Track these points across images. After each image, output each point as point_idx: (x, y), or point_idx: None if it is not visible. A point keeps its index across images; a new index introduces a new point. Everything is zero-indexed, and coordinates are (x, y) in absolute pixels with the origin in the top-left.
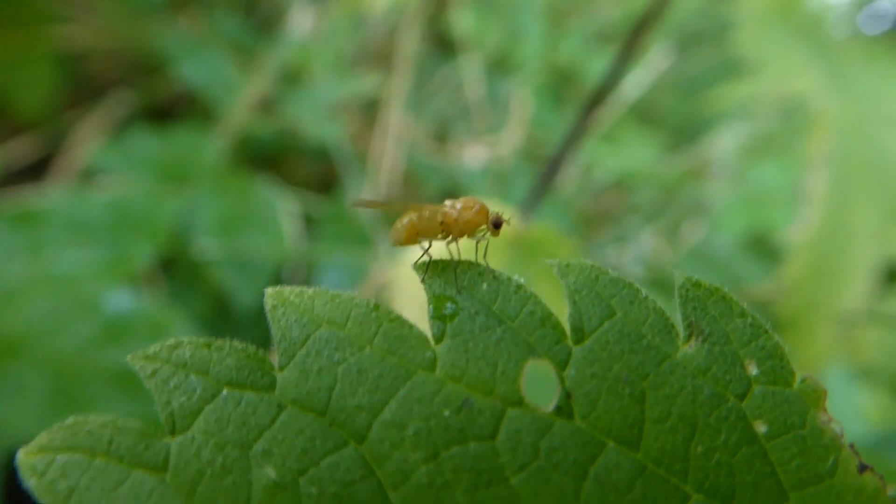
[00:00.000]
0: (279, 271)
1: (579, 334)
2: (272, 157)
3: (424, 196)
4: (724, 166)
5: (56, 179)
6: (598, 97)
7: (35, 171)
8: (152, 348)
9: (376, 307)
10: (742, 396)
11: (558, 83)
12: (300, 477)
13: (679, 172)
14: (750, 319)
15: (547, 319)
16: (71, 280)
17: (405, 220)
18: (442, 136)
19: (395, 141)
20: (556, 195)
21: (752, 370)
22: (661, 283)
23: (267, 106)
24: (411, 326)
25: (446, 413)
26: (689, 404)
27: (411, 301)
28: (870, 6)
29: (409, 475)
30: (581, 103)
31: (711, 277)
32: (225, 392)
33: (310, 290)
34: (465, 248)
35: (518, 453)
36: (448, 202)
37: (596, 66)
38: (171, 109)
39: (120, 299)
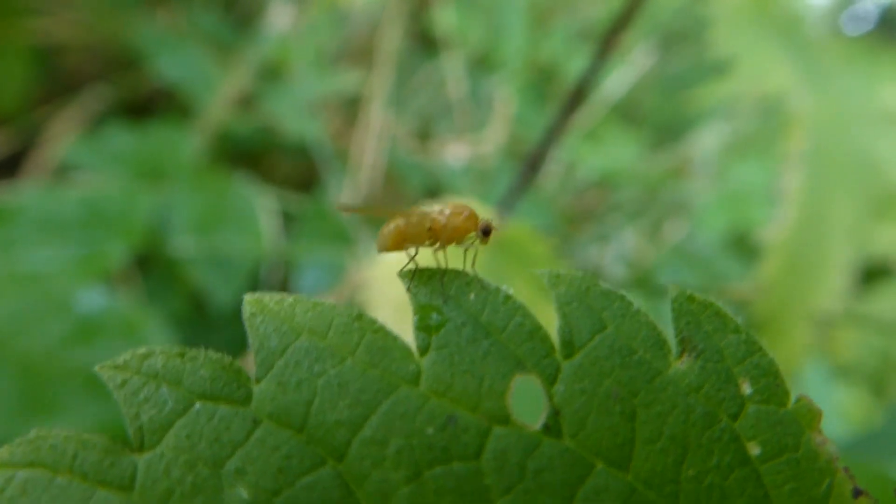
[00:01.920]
0: (257, 270)
1: (569, 348)
2: (251, 154)
3: (406, 195)
4: (705, 165)
5: (29, 175)
6: (577, 95)
7: (8, 166)
8: (122, 357)
9: (359, 317)
10: (735, 416)
11: (541, 81)
12: (274, 498)
13: (661, 171)
14: (744, 336)
15: (536, 332)
16: (42, 278)
17: (392, 225)
18: (424, 134)
19: (377, 139)
20: (538, 193)
21: (746, 389)
22: (643, 283)
23: (246, 102)
24: (395, 338)
25: (430, 430)
26: (681, 424)
27: (387, 301)
28: (851, 7)
29: (389, 496)
30: (561, 101)
31: (693, 276)
32: (198, 405)
33: (290, 298)
34: (450, 253)
35: (504, 474)
36: (436, 207)
37: (578, 64)
38: (148, 105)
39: (92, 298)
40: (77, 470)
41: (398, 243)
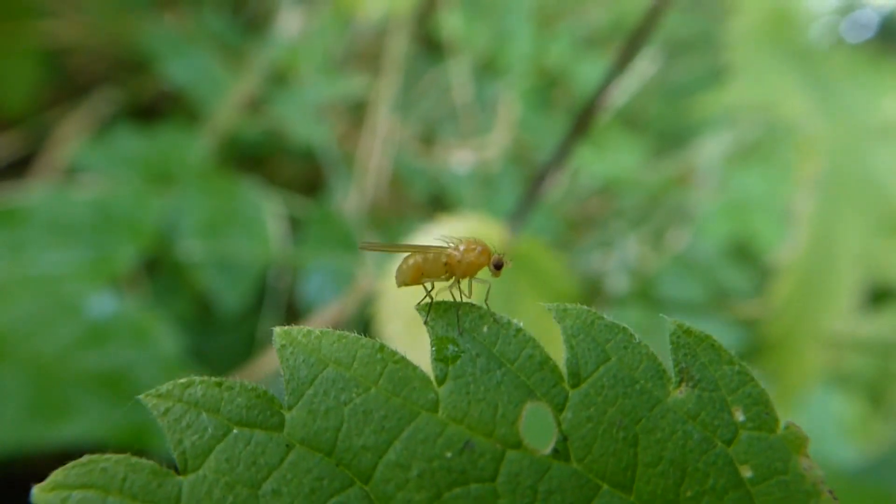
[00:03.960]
0: (264, 274)
1: (576, 378)
2: (258, 157)
3: (411, 200)
4: (708, 173)
5: (39, 178)
6: (590, 109)
7: (18, 168)
8: (165, 387)
9: (381, 348)
10: (729, 442)
11: (546, 86)
12: None
13: (664, 179)
14: (738, 367)
15: (545, 363)
16: (52, 281)
17: (410, 261)
18: (429, 138)
19: (382, 143)
20: (542, 200)
21: (739, 416)
22: (645, 292)
23: (254, 106)
24: (415, 368)
25: (448, 455)
26: (680, 449)
27: (397, 314)
28: (852, 15)
29: None
30: (571, 111)
31: (695, 285)
32: (235, 431)
33: (317, 331)
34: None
35: (517, 495)
36: (451, 244)
37: (584, 69)
38: (156, 108)
39: (102, 302)
40: (127, 491)
41: (416, 278)
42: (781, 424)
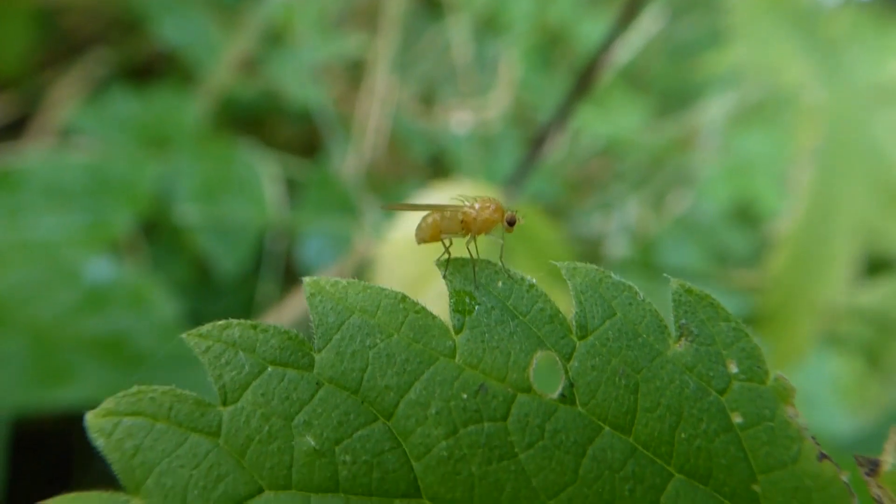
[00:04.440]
0: (262, 238)
1: (583, 331)
2: (255, 119)
3: (409, 161)
4: (710, 135)
5: (34, 140)
6: (592, 68)
7: (12, 130)
8: (205, 327)
9: (404, 299)
10: (722, 391)
11: (548, 45)
12: (336, 446)
13: (666, 140)
14: (733, 324)
15: (555, 316)
16: (50, 246)
17: (429, 219)
18: (429, 99)
19: (381, 104)
20: (543, 163)
21: (733, 368)
22: (645, 253)
23: (249, 67)
24: (434, 317)
25: (464, 396)
26: (677, 396)
27: (393, 280)
28: None
29: (430, 448)
30: (573, 70)
31: (695, 247)
32: (270, 369)
33: (343, 281)
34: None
35: (526, 433)
36: (467, 202)
37: (587, 27)
38: (152, 68)
39: (100, 267)
40: (173, 418)
41: (435, 235)
42: (771, 376)
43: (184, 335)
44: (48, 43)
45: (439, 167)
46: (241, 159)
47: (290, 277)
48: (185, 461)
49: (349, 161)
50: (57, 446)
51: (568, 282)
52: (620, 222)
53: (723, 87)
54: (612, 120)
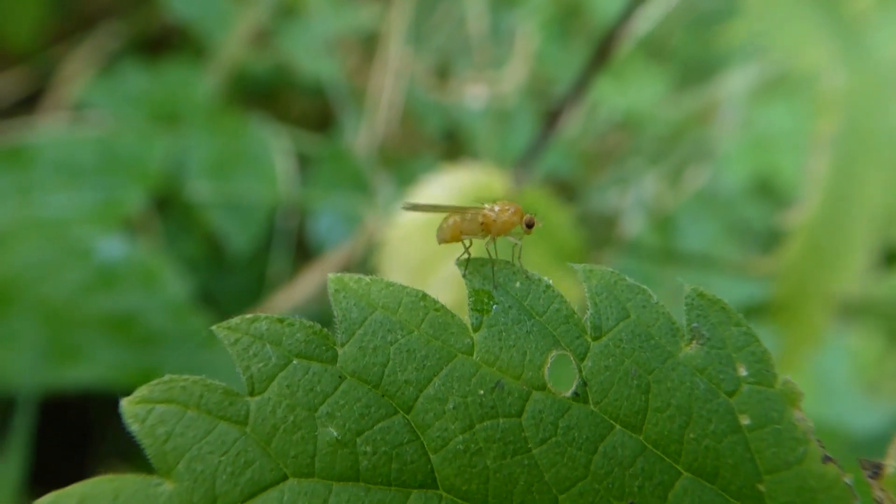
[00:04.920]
0: (273, 214)
1: (597, 332)
2: (268, 93)
3: (424, 136)
4: (731, 108)
5: (46, 115)
6: (611, 39)
7: (25, 105)
8: (234, 320)
9: (424, 297)
10: (732, 393)
11: (566, 16)
12: (357, 437)
13: (686, 113)
14: (745, 328)
15: (570, 317)
16: (61, 224)
17: (450, 220)
18: (443, 72)
19: (394, 77)
20: (559, 136)
21: (743, 372)
22: (662, 228)
23: (261, 40)
24: (453, 315)
25: (481, 392)
26: (687, 397)
27: (402, 263)
28: None
29: (447, 441)
30: (591, 42)
31: (715, 221)
32: (295, 362)
33: (367, 279)
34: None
35: (540, 429)
36: (487, 205)
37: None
38: (164, 41)
39: (111, 246)
40: (203, 406)
41: (455, 235)
42: (780, 380)
43: (214, 327)
44: (60, 16)
45: (454, 142)
46: (253, 134)
47: (303, 253)
48: (215, 447)
49: (362, 136)
50: (76, 415)
51: (584, 284)
52: (637, 198)
53: (745, 58)
54: (631, 92)
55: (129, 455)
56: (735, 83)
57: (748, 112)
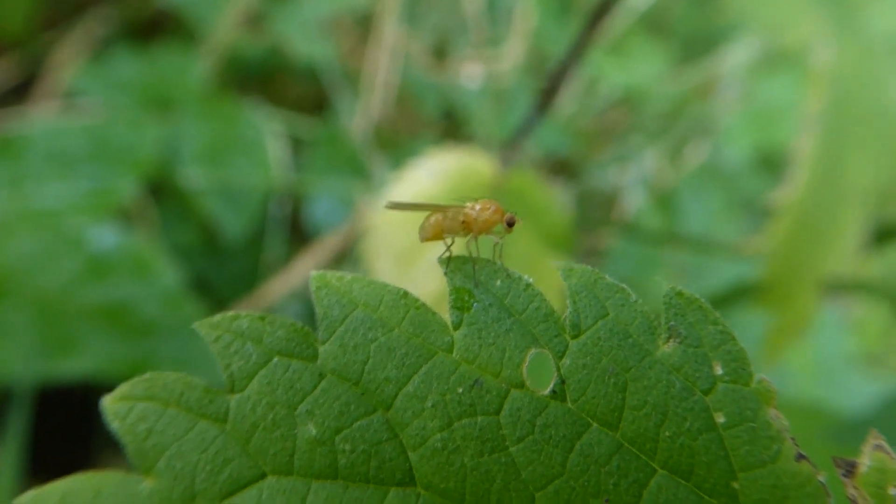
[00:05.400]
0: (268, 200)
1: (576, 330)
2: (261, 77)
3: (421, 117)
4: (732, 82)
5: (38, 104)
6: (603, 9)
7: (16, 94)
8: (216, 318)
9: (405, 295)
10: (707, 392)
11: None
12: (336, 435)
13: (687, 88)
14: (721, 327)
15: (550, 315)
16: (54, 215)
17: (432, 219)
18: (440, 51)
19: (390, 57)
20: (556, 113)
21: (718, 370)
22: (663, 205)
23: (254, 23)
24: (434, 313)
25: (460, 390)
26: (663, 395)
27: (388, 250)
28: None
29: (426, 439)
30: (585, 14)
31: (719, 194)
32: (276, 359)
33: (348, 276)
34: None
35: (517, 427)
36: (468, 204)
37: None
38: (154, 26)
39: (103, 235)
40: (184, 404)
41: (437, 234)
42: (755, 379)
43: (195, 324)
44: (51, 2)
45: (452, 122)
46: (247, 119)
47: (300, 238)
48: (194, 445)
49: (358, 118)
50: (78, 403)
51: (564, 282)
52: (637, 175)
53: (746, 31)
54: (631, 68)
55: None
56: (736, 57)
57: (750, 85)
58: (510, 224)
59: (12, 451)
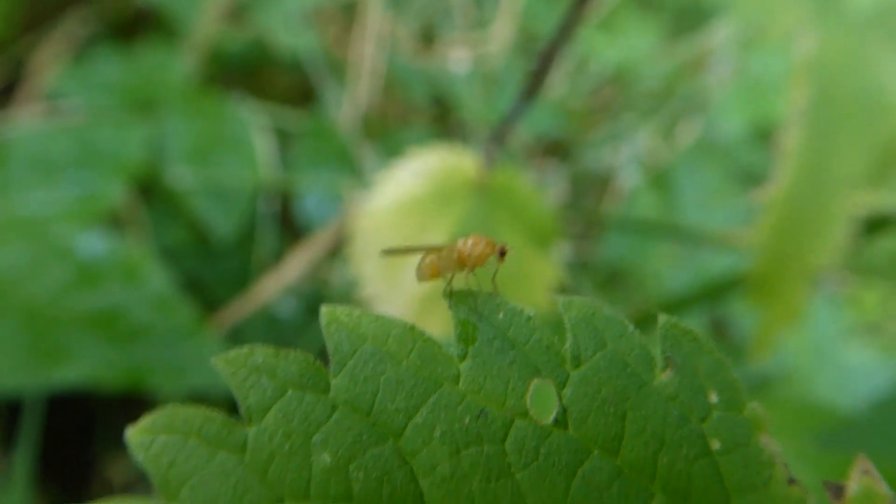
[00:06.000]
0: (256, 197)
1: (576, 361)
2: (247, 72)
3: (410, 104)
4: (726, 55)
5: (20, 109)
6: None
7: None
8: (231, 353)
9: (412, 329)
10: (703, 419)
11: None
12: (350, 463)
13: (679, 63)
14: (715, 357)
15: (551, 347)
16: (40, 223)
17: (427, 259)
18: (427, 36)
19: (376, 44)
20: (546, 93)
21: (713, 398)
22: (659, 184)
23: (236, 16)
24: (440, 347)
25: (466, 419)
26: (661, 423)
27: (370, 255)
28: None
29: (435, 467)
30: None
31: (716, 168)
32: (290, 392)
33: (357, 311)
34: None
35: (522, 454)
36: (460, 241)
37: None
38: (136, 25)
39: (91, 242)
40: (203, 436)
41: (434, 273)
42: (748, 406)
43: (212, 359)
44: (29, 4)
45: (442, 108)
46: (233, 115)
47: (291, 233)
48: (215, 475)
49: (345, 108)
50: (79, 406)
51: (563, 315)
52: (631, 153)
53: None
54: (622, 43)
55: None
56: (728, 30)
57: (742, 58)
58: (502, 254)
59: (25, 458)
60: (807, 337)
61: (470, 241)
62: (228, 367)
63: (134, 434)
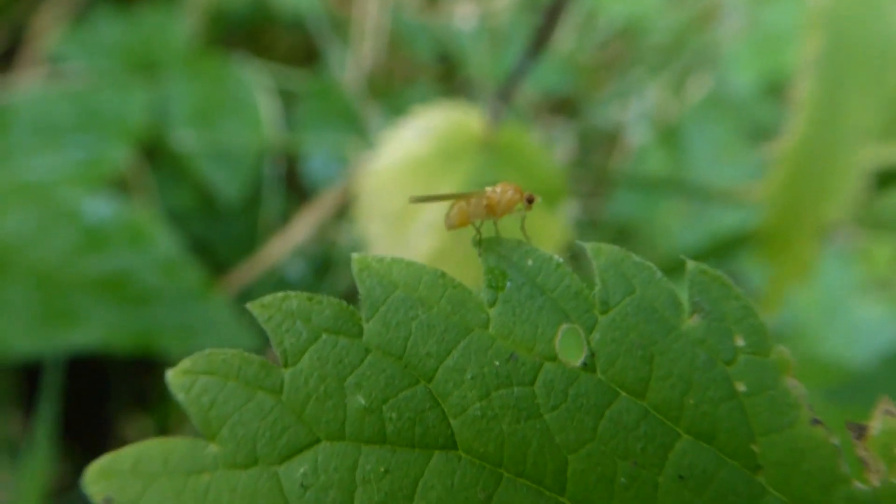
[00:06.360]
0: (262, 158)
1: (605, 306)
2: (247, 32)
3: (415, 62)
4: (736, 8)
5: (21, 73)
6: None
7: (2, 63)
8: (266, 298)
9: (443, 275)
10: (729, 363)
11: None
12: (383, 404)
13: (688, 16)
14: (743, 302)
15: (580, 293)
16: (46, 187)
17: (456, 207)
18: None
19: (380, 1)
20: (554, 49)
21: (740, 342)
22: (668, 140)
23: None
24: (470, 292)
25: (496, 363)
26: (687, 367)
27: (378, 214)
28: None
29: (466, 408)
30: None
31: (726, 123)
32: (324, 336)
33: (388, 258)
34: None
35: (551, 397)
36: (489, 189)
37: None
38: None
39: (98, 206)
40: (242, 377)
41: (463, 221)
42: (775, 350)
43: (247, 305)
44: None
45: (447, 66)
46: (236, 76)
47: (298, 195)
48: (254, 414)
49: (350, 67)
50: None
51: (592, 261)
52: (640, 110)
53: None
54: None
55: (147, 405)
56: None
57: (753, 11)
58: (530, 202)
59: (47, 417)
60: (817, 292)
61: (499, 188)
62: (264, 311)
63: (174, 375)
